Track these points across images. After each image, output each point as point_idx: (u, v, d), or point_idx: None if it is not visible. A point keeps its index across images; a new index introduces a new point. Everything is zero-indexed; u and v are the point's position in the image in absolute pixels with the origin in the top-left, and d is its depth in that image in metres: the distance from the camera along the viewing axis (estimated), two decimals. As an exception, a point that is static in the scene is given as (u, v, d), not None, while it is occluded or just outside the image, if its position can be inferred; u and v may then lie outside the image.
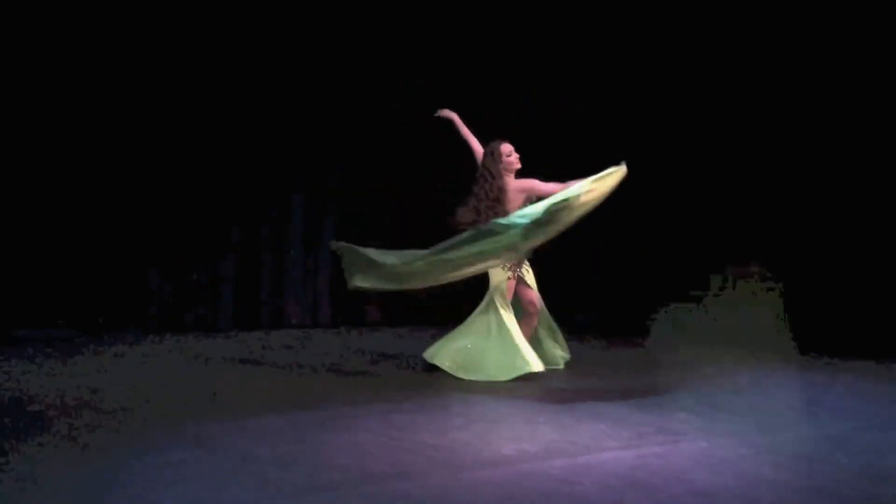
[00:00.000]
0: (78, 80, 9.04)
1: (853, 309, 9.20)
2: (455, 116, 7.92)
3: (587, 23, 10.60)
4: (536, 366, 7.35)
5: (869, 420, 6.26)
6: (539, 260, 7.82)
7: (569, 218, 7.17)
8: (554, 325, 7.92)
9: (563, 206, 7.09)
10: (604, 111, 10.63)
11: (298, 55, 9.96)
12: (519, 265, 7.64)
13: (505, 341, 7.40)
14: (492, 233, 7.18)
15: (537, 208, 7.19)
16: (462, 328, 7.58)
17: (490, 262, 7.35)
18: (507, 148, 7.59)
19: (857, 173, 9.38)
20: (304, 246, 10.21)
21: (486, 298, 7.59)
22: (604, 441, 5.46)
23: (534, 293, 7.71)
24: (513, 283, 7.60)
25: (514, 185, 7.57)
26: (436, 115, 7.91)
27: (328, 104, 10.13)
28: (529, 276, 7.73)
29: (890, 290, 9.13)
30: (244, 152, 9.73)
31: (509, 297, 7.59)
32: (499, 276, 7.54)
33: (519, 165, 7.59)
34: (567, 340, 7.99)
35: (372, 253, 7.34)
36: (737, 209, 10.09)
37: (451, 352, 7.46)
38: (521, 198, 7.54)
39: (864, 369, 8.18)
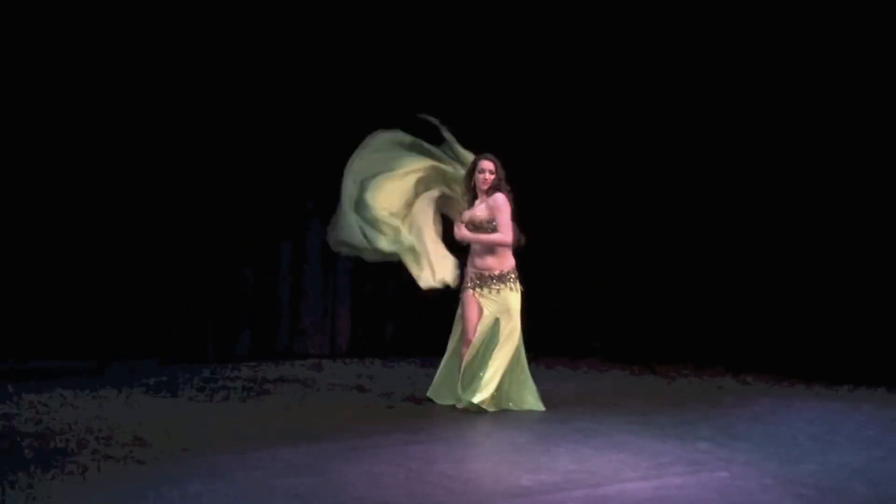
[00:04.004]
0: (91, 106, 9.09)
1: (871, 336, 9.17)
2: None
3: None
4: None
5: (888, 449, 6.22)
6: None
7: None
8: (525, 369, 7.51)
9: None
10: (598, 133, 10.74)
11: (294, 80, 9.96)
12: (481, 283, 7.39)
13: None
14: None
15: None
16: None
17: None
18: (482, 164, 7.42)
19: (861, 195, 9.42)
20: (322, 275, 10.20)
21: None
22: (623, 471, 5.44)
23: (476, 323, 7.35)
24: (468, 295, 7.40)
25: (487, 201, 7.38)
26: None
27: (335, 125, 10.10)
28: (490, 303, 7.37)
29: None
30: (258, 177, 9.72)
31: (462, 309, 7.45)
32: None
33: (484, 186, 7.38)
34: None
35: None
36: (748, 232, 10.14)
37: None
38: (487, 212, 7.39)
39: (883, 398, 8.13)
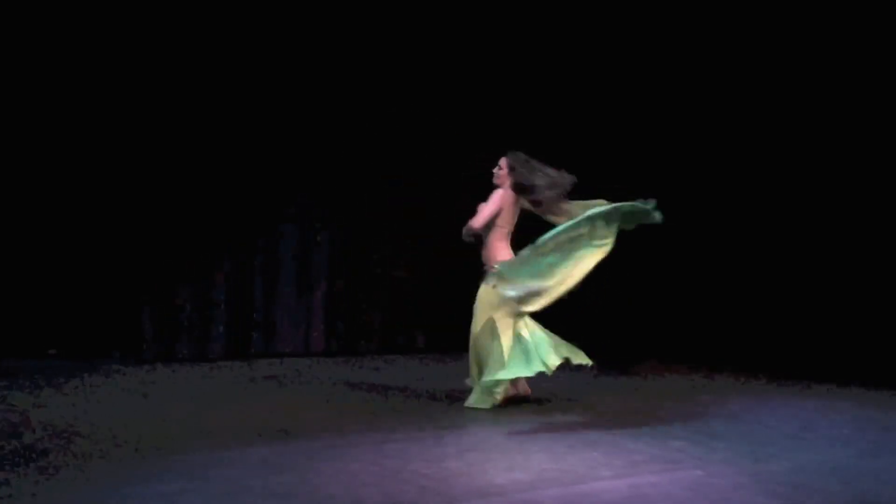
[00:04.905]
0: (78, 111, 9.09)
1: (846, 335, 9.22)
2: None
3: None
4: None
5: (862, 447, 6.24)
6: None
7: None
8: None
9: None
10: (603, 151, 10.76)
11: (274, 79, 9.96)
12: None
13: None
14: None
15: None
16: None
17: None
18: (501, 161, 7.57)
19: (840, 195, 9.47)
20: (297, 274, 10.17)
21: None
22: (597, 470, 5.43)
23: None
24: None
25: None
26: None
27: (316, 122, 10.08)
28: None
29: (882, 319, 9.14)
30: (234, 176, 9.71)
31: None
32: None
33: (497, 181, 7.52)
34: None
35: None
36: (724, 233, 10.17)
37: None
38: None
39: (858, 396, 8.16)
